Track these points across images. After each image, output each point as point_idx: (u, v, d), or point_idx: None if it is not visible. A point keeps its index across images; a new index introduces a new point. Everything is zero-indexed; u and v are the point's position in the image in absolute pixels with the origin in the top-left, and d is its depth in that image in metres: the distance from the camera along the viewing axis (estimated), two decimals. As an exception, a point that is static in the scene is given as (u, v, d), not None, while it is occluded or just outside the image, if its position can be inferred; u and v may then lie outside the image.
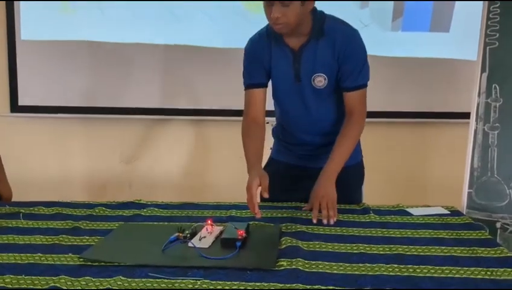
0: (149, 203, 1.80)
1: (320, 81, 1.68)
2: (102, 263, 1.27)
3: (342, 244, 1.40)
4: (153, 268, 1.23)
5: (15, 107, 2.87)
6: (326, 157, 1.70)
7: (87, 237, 1.47)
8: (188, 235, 1.44)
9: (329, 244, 1.40)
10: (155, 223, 1.60)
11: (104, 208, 1.73)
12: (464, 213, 1.87)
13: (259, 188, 1.55)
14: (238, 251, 1.32)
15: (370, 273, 1.22)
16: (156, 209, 1.72)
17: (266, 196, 1.51)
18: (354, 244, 1.39)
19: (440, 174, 2.86)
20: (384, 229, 1.51)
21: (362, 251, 1.35)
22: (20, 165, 2.98)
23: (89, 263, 1.28)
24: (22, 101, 2.85)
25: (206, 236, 1.43)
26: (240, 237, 1.38)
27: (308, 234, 1.47)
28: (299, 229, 1.50)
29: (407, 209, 1.71)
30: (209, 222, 1.49)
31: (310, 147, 1.80)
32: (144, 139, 3.00)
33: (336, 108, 1.74)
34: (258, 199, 1.56)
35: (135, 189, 2.95)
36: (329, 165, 1.66)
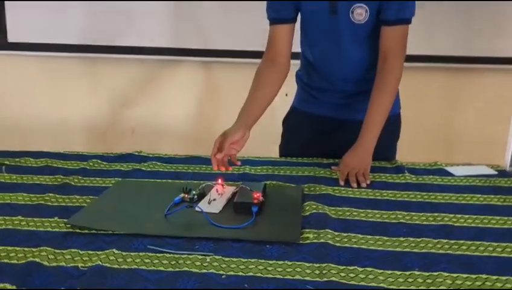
0: (151, 155, 1.59)
1: (360, 14, 1.40)
2: (93, 231, 1.07)
3: (376, 212, 1.18)
4: (154, 239, 1.03)
5: (3, 44, 2.61)
6: (359, 108, 1.46)
7: (78, 197, 1.26)
8: (195, 197, 1.23)
9: (361, 211, 1.18)
10: (157, 180, 1.39)
11: (99, 161, 1.52)
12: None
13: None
14: (255, 218, 1.11)
15: (415, 249, 1.01)
16: (159, 163, 1.51)
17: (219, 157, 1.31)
18: (391, 212, 1.18)
19: (479, 128, 2.59)
20: (423, 193, 1.29)
21: (401, 220, 1.14)
22: (8, 110, 2.76)
23: (77, 231, 1.08)
24: (12, 37, 2.58)
25: (216, 199, 1.22)
26: (256, 201, 1.17)
27: (335, 198, 1.26)
28: (324, 192, 1.29)
29: (447, 169, 1.49)
30: (219, 181, 1.28)
31: (341, 95, 1.55)
32: (148, 82, 2.74)
33: (375, 51, 1.46)
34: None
35: (138, 137, 2.73)
36: (365, 134, 1.42)
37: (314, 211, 1.16)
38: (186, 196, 1.23)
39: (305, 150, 1.56)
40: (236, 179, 1.38)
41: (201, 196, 1.24)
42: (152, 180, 1.38)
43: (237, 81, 2.57)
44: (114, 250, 0.98)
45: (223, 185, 1.27)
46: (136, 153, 1.59)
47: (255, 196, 1.18)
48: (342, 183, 1.35)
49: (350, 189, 1.32)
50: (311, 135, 1.59)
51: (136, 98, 2.74)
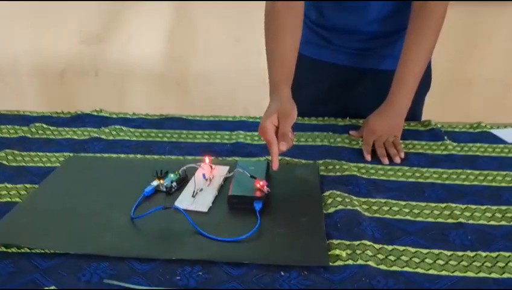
0: (114, 116, 1.22)
1: None
2: (23, 250, 0.73)
3: (423, 205, 0.86)
4: (113, 263, 0.70)
5: None
6: (385, 54, 1.11)
7: (9, 186, 0.91)
8: (174, 184, 0.89)
9: (403, 203, 0.86)
10: (121, 155, 1.03)
11: (44, 126, 1.15)
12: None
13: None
14: (260, 222, 0.78)
15: (493, 274, 0.70)
16: (124, 128, 1.15)
17: (283, 148, 0.87)
18: (444, 206, 0.86)
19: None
20: (477, 172, 0.97)
21: (461, 219, 0.82)
22: None
23: (1, 249, 0.74)
24: None
25: (203, 188, 0.88)
26: (259, 194, 0.84)
27: (363, 183, 0.93)
28: (346, 173, 0.96)
29: (494, 132, 1.17)
30: (206, 160, 0.94)
31: (361, 37, 1.17)
32: (112, 14, 2.30)
33: None
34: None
35: (102, 78, 2.33)
36: (398, 90, 1.07)
37: (340, 206, 0.84)
38: (161, 182, 0.89)
39: (313, 108, 1.21)
40: (227, 152, 1.04)
41: (182, 182, 0.90)
42: (114, 155, 1.03)
43: (216, 16, 2.15)
44: (52, 288, 0.65)
45: (211, 167, 0.93)
46: (95, 114, 1.23)
47: (258, 185, 0.85)
48: (368, 158, 1.02)
49: (380, 166, 1.00)
50: (322, 88, 1.23)
51: (98, 32, 2.30)
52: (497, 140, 1.13)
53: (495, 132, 1.17)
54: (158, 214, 0.79)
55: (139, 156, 1.02)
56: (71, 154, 1.02)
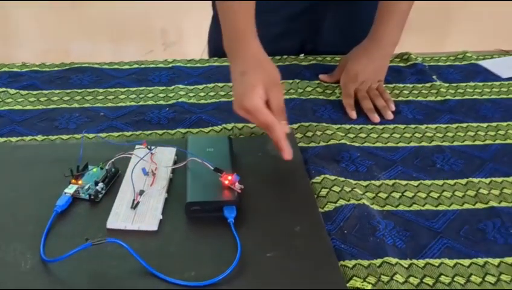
0: (9, 68, 0.87)
1: None
2: None
3: (440, 184, 0.65)
4: None
5: None
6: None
7: None
8: (100, 188, 0.60)
9: (416, 186, 0.65)
10: (11, 139, 0.71)
11: None
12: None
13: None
14: (240, 244, 0.54)
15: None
16: (12, 90, 0.81)
17: (287, 129, 0.64)
18: (466, 183, 0.66)
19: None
20: (484, 125, 0.78)
21: (492, 203, 0.63)
22: None
23: None
24: None
25: (146, 190, 0.61)
26: (228, 195, 0.58)
27: (357, 155, 0.70)
28: (332, 142, 0.72)
29: (481, 63, 0.98)
30: (143, 146, 0.65)
31: None
32: None
33: None
34: None
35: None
36: (383, 22, 0.83)
37: (340, 201, 0.61)
38: (79, 184, 0.60)
39: (272, 44, 0.94)
40: (166, 120, 0.76)
41: (112, 181, 0.62)
42: (11, 140, 0.71)
43: None
44: None
45: (152, 155, 0.65)
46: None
47: (226, 181, 0.59)
48: (353, 115, 0.79)
49: (371, 126, 0.77)
50: (280, 19, 0.94)
51: None
52: (490, 75, 0.94)
53: (483, 63, 0.98)
54: (84, 255, 0.51)
55: (39, 137, 0.71)
56: None
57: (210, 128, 0.74)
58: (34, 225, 0.55)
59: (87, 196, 0.60)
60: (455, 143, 0.74)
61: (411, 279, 0.52)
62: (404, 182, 0.66)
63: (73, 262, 0.51)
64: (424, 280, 0.52)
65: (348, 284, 0.51)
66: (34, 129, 0.72)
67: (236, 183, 0.59)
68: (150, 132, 0.72)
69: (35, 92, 0.81)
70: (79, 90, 0.82)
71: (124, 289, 0.49)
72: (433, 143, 0.74)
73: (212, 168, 0.60)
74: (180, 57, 0.94)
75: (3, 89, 0.80)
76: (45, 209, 0.57)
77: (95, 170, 0.63)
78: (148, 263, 0.50)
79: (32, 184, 0.62)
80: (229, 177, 0.59)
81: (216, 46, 1.00)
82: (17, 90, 0.81)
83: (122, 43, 2.02)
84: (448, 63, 0.97)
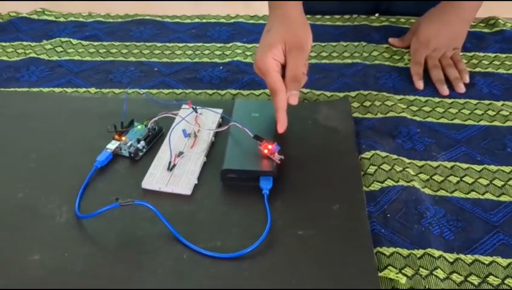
0: (62, 19, 0.88)
1: None
2: None
3: (507, 171, 0.58)
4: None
5: None
6: None
7: None
8: (142, 147, 0.60)
9: (479, 171, 0.59)
10: (66, 90, 0.73)
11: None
12: None
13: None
14: (271, 219, 0.51)
15: None
16: (74, 41, 0.82)
17: (294, 101, 0.57)
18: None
19: None
20: None
21: None
22: None
23: None
24: None
25: (185, 152, 0.59)
26: (267, 165, 0.56)
27: (416, 132, 0.64)
28: (391, 114, 0.66)
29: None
30: (187, 106, 0.63)
31: None
32: None
33: None
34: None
35: None
36: None
37: (388, 181, 0.56)
38: (122, 141, 0.60)
39: (334, 2, 0.88)
40: (218, 79, 0.74)
41: (154, 140, 0.62)
42: (57, 90, 0.72)
43: None
44: None
45: (196, 112, 0.63)
46: (35, 17, 0.89)
47: (266, 150, 0.56)
48: (419, 85, 0.72)
49: (438, 99, 0.70)
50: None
51: None
52: None
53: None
54: (115, 215, 0.51)
55: (93, 89, 0.72)
56: (-3, 89, 0.72)
57: (262, 90, 0.70)
58: (73, 178, 0.56)
59: (128, 153, 0.60)
60: (534, 125, 0.66)
61: (454, 276, 0.47)
62: (465, 166, 0.59)
63: (104, 219, 0.51)
64: (468, 279, 0.47)
65: (380, 274, 0.47)
66: (89, 81, 0.73)
67: (276, 154, 0.56)
68: (200, 91, 0.71)
69: (96, 43, 0.81)
70: (137, 44, 0.81)
71: (148, 252, 0.49)
72: (508, 123, 0.65)
73: (252, 136, 0.57)
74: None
75: (67, 38, 0.82)
76: (87, 163, 0.58)
77: (139, 127, 0.62)
78: (176, 228, 0.50)
79: (78, 136, 0.63)
80: (269, 146, 0.56)
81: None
82: (79, 41, 0.82)
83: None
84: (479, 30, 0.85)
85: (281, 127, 0.58)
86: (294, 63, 0.58)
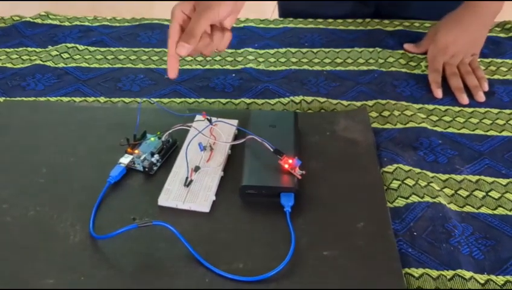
0: (67, 23, 0.86)
1: None
2: None
3: (531, 182, 0.57)
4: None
5: None
6: None
7: None
8: (156, 159, 0.58)
9: (505, 185, 0.57)
10: (75, 99, 0.70)
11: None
12: None
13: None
14: (295, 239, 0.49)
15: None
16: (80, 46, 0.79)
17: (181, 52, 0.58)
18: None
19: None
20: None
21: None
22: None
23: None
24: None
25: (201, 167, 0.57)
26: (287, 181, 0.54)
27: (438, 143, 0.62)
28: (411, 124, 0.64)
29: None
30: (202, 117, 0.61)
31: None
32: None
33: None
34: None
35: None
36: None
37: (413, 197, 0.54)
38: (135, 154, 0.58)
39: (346, 7, 0.85)
40: (230, 87, 0.71)
41: (168, 154, 0.60)
42: (66, 99, 0.70)
43: None
44: None
45: (211, 122, 0.61)
46: (39, 21, 0.86)
47: (286, 165, 0.54)
48: (438, 94, 0.70)
49: (458, 108, 0.68)
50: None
51: None
52: None
53: None
54: (131, 237, 0.49)
55: (102, 99, 0.69)
56: (0, 99, 0.69)
57: (276, 100, 0.68)
58: (86, 194, 0.54)
59: (142, 167, 0.57)
60: (558, 136, 0.64)
61: (488, 298, 0.46)
62: (490, 179, 0.57)
63: (120, 240, 0.49)
64: (503, 303, 0.46)
65: (411, 297, 0.46)
66: (98, 90, 0.71)
67: (297, 169, 0.54)
68: (213, 100, 0.69)
69: (103, 49, 0.79)
70: (146, 50, 0.79)
71: (168, 275, 0.47)
72: (534, 136, 0.64)
73: (272, 150, 0.55)
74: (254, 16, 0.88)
75: (73, 44, 0.79)
76: (98, 177, 0.55)
77: (152, 139, 0.60)
78: (195, 248, 0.48)
79: (89, 148, 0.60)
80: (290, 161, 0.54)
81: (283, 4, 0.94)
82: (86, 47, 0.79)
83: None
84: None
85: (171, 73, 0.61)
86: (195, 18, 0.59)
